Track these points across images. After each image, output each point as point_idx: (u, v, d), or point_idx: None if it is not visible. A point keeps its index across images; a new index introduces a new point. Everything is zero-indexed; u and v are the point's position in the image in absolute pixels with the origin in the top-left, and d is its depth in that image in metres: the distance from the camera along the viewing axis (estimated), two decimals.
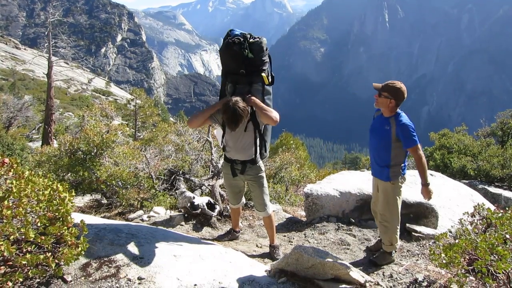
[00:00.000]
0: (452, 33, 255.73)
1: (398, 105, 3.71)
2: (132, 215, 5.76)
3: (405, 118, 3.69)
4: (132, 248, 3.14)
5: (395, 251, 4.02)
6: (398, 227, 3.97)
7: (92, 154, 6.56)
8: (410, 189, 5.55)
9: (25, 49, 72.68)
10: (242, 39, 3.71)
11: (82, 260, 2.83)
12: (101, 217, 5.80)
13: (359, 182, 6.04)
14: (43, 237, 2.39)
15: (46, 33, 17.76)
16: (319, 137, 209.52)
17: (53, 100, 17.36)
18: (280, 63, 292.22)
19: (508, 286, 2.38)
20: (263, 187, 4.12)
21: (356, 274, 3.27)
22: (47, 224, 2.45)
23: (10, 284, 2.24)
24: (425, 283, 3.34)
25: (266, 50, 3.85)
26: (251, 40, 3.73)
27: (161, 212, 5.85)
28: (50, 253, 2.42)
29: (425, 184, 3.66)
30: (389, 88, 3.66)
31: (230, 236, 4.91)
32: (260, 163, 4.08)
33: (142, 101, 19.34)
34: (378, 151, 3.88)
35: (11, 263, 2.31)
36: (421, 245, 4.57)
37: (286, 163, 10.13)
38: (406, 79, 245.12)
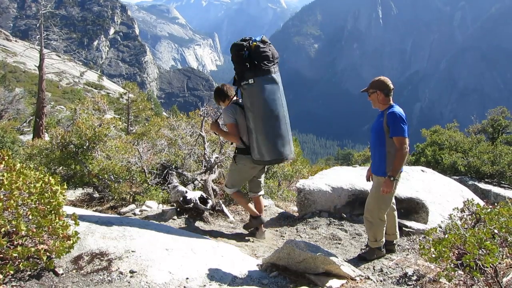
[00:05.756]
0: (444, 30, 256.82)
1: (387, 95, 3.84)
2: (124, 209, 5.76)
3: (396, 108, 3.79)
4: (124, 241, 3.14)
5: (382, 247, 4.04)
6: (385, 223, 3.97)
7: (84, 147, 6.53)
8: (401, 185, 5.59)
9: (16, 41, 71.68)
10: None
11: (74, 253, 2.82)
12: (93, 210, 5.79)
13: (351, 177, 6.07)
14: (34, 230, 2.39)
15: (37, 25, 17.50)
16: (312, 133, 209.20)
17: (45, 93, 17.18)
18: None
19: (495, 280, 2.42)
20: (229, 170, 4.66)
21: (347, 268, 3.30)
22: (39, 217, 2.44)
23: (0, 276, 2.24)
24: (414, 277, 3.38)
25: (236, 54, 3.92)
26: None
27: (153, 206, 5.85)
28: (41, 246, 2.41)
29: (392, 178, 3.66)
30: (371, 83, 3.94)
31: (255, 221, 4.72)
32: (239, 157, 4.35)
33: (134, 95, 19.24)
34: (375, 146, 3.93)
35: (2, 255, 2.30)
36: (412, 240, 4.62)
37: None
38: (399, 75, 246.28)
